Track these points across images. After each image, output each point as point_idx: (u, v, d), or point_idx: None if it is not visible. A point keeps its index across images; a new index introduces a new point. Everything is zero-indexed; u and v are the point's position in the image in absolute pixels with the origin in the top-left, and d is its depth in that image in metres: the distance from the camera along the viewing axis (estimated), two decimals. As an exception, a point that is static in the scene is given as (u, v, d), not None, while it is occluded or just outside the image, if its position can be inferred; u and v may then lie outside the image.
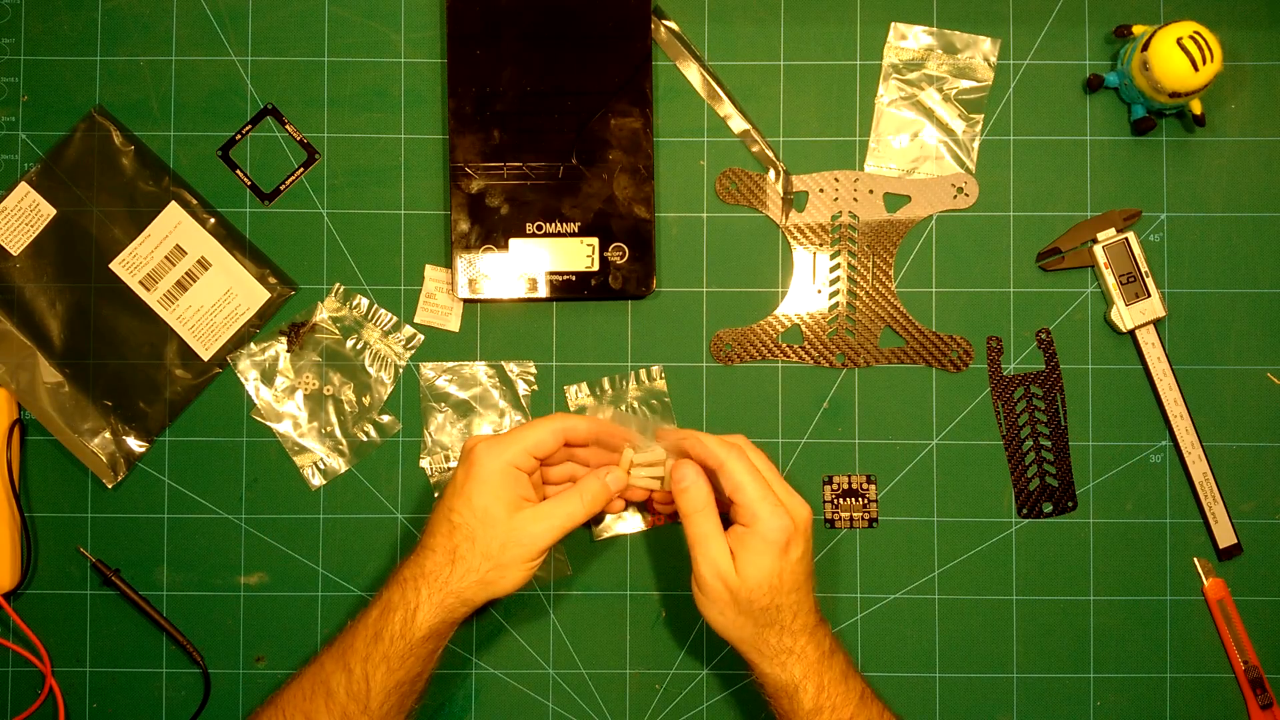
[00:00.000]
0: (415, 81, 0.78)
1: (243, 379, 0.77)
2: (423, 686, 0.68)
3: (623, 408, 0.78)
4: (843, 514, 0.78)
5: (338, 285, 0.77)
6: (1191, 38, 0.72)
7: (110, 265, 0.77)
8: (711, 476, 0.67)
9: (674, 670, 0.78)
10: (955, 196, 0.78)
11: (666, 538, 0.78)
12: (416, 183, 0.78)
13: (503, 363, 0.78)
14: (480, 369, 0.78)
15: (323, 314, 0.77)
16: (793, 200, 0.78)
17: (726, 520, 0.67)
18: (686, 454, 0.68)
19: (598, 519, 0.77)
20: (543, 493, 0.71)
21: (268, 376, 0.77)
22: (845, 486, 0.78)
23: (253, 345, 0.77)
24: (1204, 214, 0.78)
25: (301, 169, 0.78)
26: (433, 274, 0.78)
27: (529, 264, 0.76)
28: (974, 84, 0.78)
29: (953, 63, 0.78)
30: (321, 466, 0.77)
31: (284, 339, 0.77)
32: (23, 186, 0.77)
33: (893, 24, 0.78)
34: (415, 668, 0.66)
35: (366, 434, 0.77)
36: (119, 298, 0.77)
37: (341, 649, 0.67)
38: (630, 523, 0.78)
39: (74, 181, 0.77)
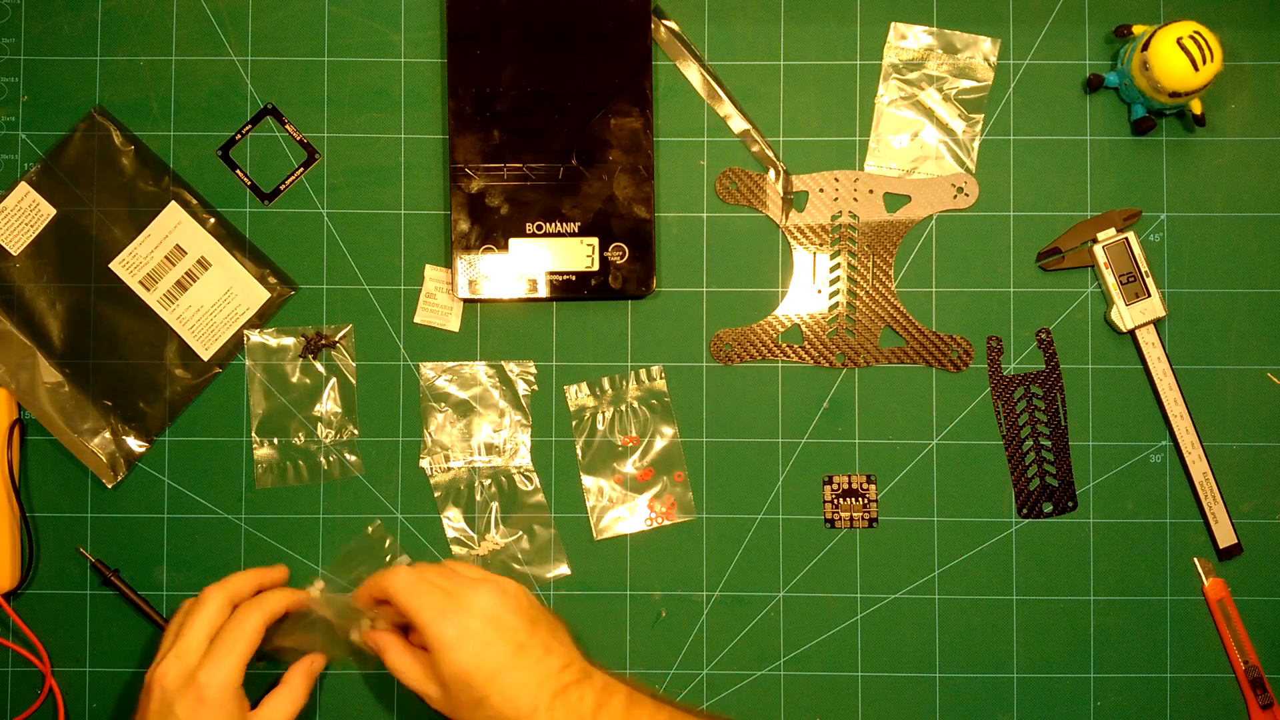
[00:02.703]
0: (415, 81, 0.78)
1: (249, 375, 0.77)
2: None
3: (623, 408, 0.78)
4: (843, 514, 0.78)
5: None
6: (1191, 38, 0.72)
7: (110, 265, 0.77)
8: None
9: (674, 670, 0.78)
10: (955, 196, 0.78)
11: (666, 538, 0.78)
12: (416, 183, 0.78)
13: (503, 363, 0.78)
14: (480, 369, 0.78)
15: (347, 334, 0.77)
16: (793, 200, 0.78)
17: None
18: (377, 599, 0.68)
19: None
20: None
21: (272, 376, 0.77)
22: (845, 486, 0.78)
23: (269, 340, 0.77)
24: (1204, 214, 0.78)
25: (301, 169, 0.78)
26: (433, 274, 0.78)
27: (529, 264, 0.76)
28: (974, 84, 0.78)
29: (953, 63, 0.78)
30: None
31: (302, 340, 0.77)
32: (23, 186, 0.77)
33: (893, 24, 0.78)
34: None
35: (328, 464, 0.77)
36: (119, 298, 0.77)
37: None
38: (630, 523, 0.78)
39: (74, 181, 0.77)
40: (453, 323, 0.78)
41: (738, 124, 0.78)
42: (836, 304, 0.78)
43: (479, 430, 0.78)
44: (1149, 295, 0.77)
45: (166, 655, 0.66)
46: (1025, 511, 0.78)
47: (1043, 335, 0.78)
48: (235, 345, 0.78)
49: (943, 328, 0.78)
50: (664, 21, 0.78)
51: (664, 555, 0.78)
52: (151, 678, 0.66)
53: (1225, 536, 0.77)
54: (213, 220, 0.78)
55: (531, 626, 0.66)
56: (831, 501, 0.78)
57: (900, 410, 0.78)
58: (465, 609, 0.65)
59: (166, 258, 0.77)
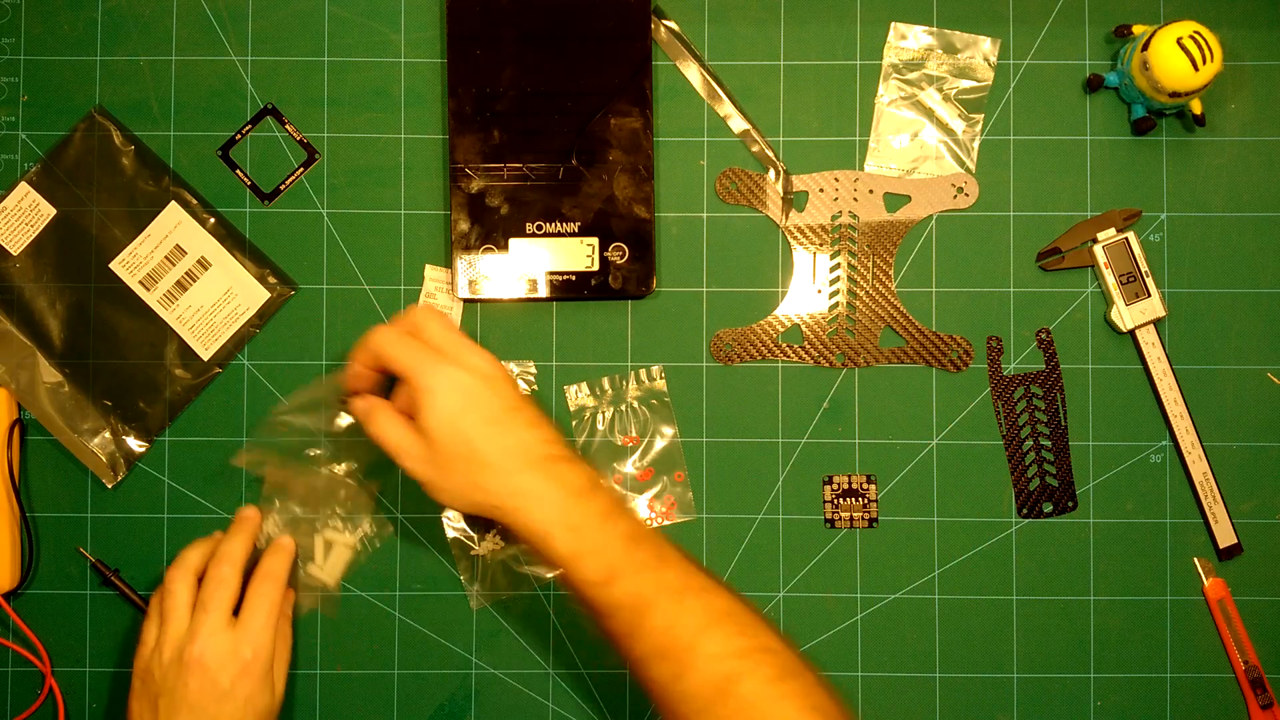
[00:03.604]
0: (415, 81, 0.78)
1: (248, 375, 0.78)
2: None
3: (623, 408, 0.78)
4: (843, 514, 0.78)
5: None
6: (1191, 38, 0.72)
7: (110, 265, 0.77)
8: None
9: (674, 670, 0.77)
10: (955, 196, 0.78)
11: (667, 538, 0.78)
12: (416, 183, 0.78)
13: (503, 363, 0.78)
14: (480, 369, 0.78)
15: None
16: (793, 200, 0.78)
17: None
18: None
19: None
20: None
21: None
22: (845, 486, 0.78)
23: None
24: (1204, 214, 0.78)
25: (301, 169, 0.78)
26: (433, 274, 0.78)
27: (529, 264, 0.76)
28: (974, 84, 0.78)
29: (953, 63, 0.78)
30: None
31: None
32: (23, 186, 0.77)
33: (893, 24, 0.78)
34: None
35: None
36: (119, 298, 0.77)
37: None
38: (630, 523, 0.78)
39: (74, 181, 0.77)
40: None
41: (738, 124, 0.78)
42: (836, 304, 0.78)
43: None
44: (1149, 295, 0.77)
45: (199, 633, 0.67)
46: (1025, 511, 0.78)
47: (1043, 335, 0.78)
48: (235, 345, 0.78)
49: (943, 328, 0.78)
50: (664, 21, 0.78)
51: (664, 555, 0.78)
52: (188, 657, 0.67)
53: (1225, 536, 0.77)
54: (213, 220, 0.78)
55: (521, 397, 0.66)
56: (831, 501, 0.78)
57: (900, 410, 0.78)
58: (457, 362, 0.64)
59: (166, 258, 0.77)
